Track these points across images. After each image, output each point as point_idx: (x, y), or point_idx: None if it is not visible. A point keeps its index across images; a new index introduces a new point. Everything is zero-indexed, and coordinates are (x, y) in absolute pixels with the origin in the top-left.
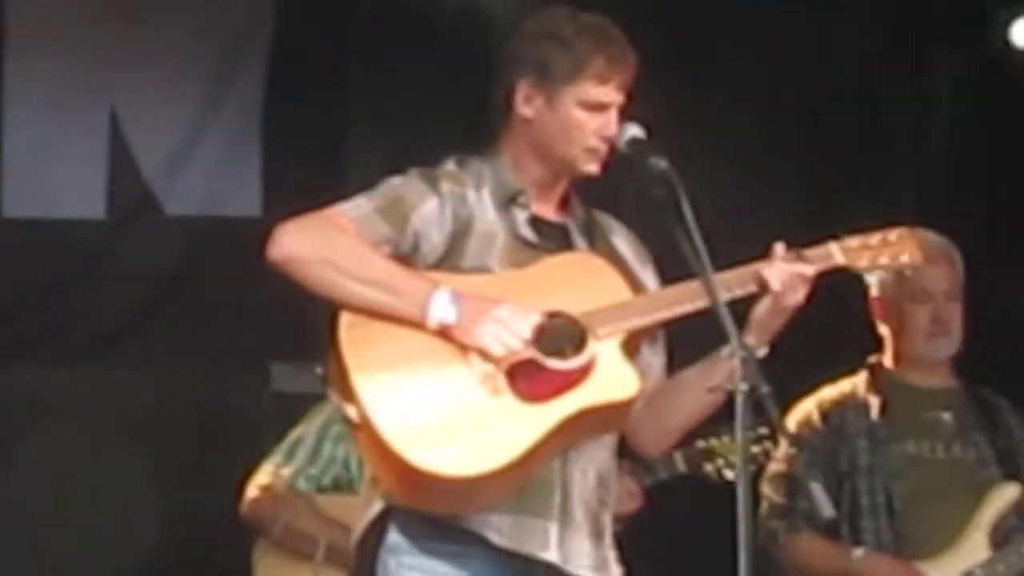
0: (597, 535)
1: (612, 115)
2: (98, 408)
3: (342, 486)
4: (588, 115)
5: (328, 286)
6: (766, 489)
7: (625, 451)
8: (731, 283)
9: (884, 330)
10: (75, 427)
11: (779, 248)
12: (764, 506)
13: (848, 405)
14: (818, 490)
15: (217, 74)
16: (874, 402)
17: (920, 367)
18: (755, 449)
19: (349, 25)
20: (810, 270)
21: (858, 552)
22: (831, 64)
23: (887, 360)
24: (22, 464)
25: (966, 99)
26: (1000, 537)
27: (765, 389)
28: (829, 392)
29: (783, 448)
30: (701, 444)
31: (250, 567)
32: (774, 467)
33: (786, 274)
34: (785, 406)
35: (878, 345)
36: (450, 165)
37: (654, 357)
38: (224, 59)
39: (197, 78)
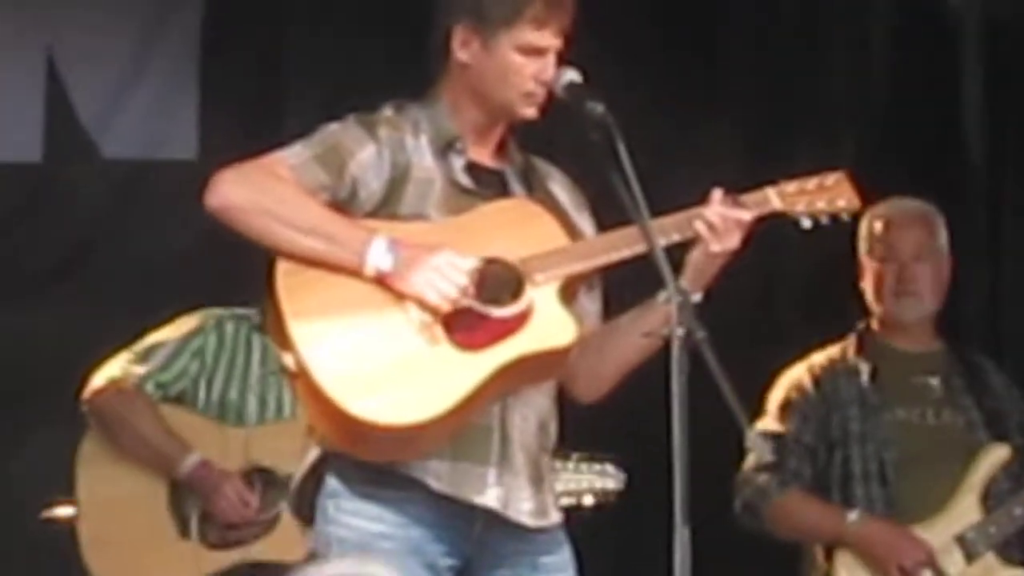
0: (537, 480)
1: (550, 59)
2: (32, 346)
3: (186, 402)
4: (525, 59)
5: (266, 234)
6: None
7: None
8: (668, 228)
9: (865, 293)
10: (14, 364)
11: (716, 194)
12: (750, 460)
13: (839, 371)
14: (756, 437)
15: (153, 18)
16: (864, 368)
17: (899, 330)
18: (599, 484)
19: None
20: (746, 215)
21: (852, 515)
22: (771, 12)
23: (874, 324)
24: None
25: (904, 46)
26: (991, 499)
27: (701, 334)
28: (819, 358)
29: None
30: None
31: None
32: (763, 427)
33: (722, 219)
34: (777, 372)
35: (865, 310)
36: (388, 111)
37: (590, 303)
38: (160, 3)
39: (133, 21)
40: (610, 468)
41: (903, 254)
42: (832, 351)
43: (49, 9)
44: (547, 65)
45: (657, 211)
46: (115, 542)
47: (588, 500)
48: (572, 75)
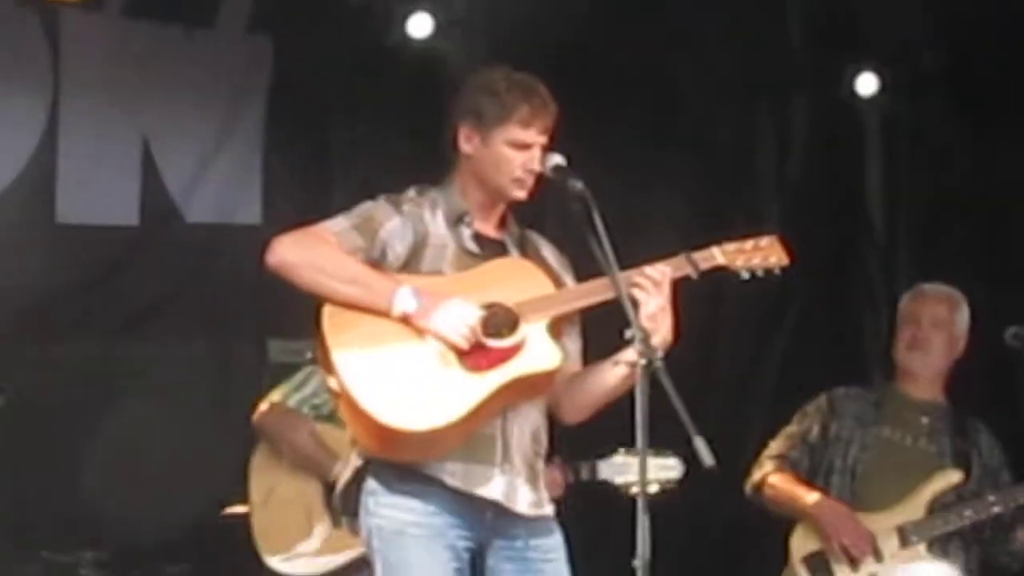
0: (533, 479)
1: (535, 152)
2: (133, 376)
3: (336, 419)
4: (514, 152)
5: (314, 285)
6: (772, 441)
7: (562, 449)
8: (631, 280)
9: (893, 352)
10: (115, 391)
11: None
12: (765, 452)
13: (851, 397)
14: (701, 444)
15: (227, 110)
16: (871, 398)
17: (910, 379)
18: (663, 475)
19: (333, 70)
20: (657, 275)
21: (813, 495)
22: (712, 105)
23: (896, 377)
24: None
25: (820, 135)
26: (937, 508)
27: (658, 364)
28: (840, 389)
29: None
30: (619, 459)
31: (247, 465)
32: (787, 428)
33: (648, 280)
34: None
35: (892, 367)
36: (411, 192)
37: (571, 344)
38: (233, 97)
39: (211, 113)
40: (671, 460)
41: (923, 320)
42: (853, 387)
43: (144, 102)
44: (533, 157)
45: (624, 265)
46: (280, 531)
47: (653, 488)
48: (558, 159)
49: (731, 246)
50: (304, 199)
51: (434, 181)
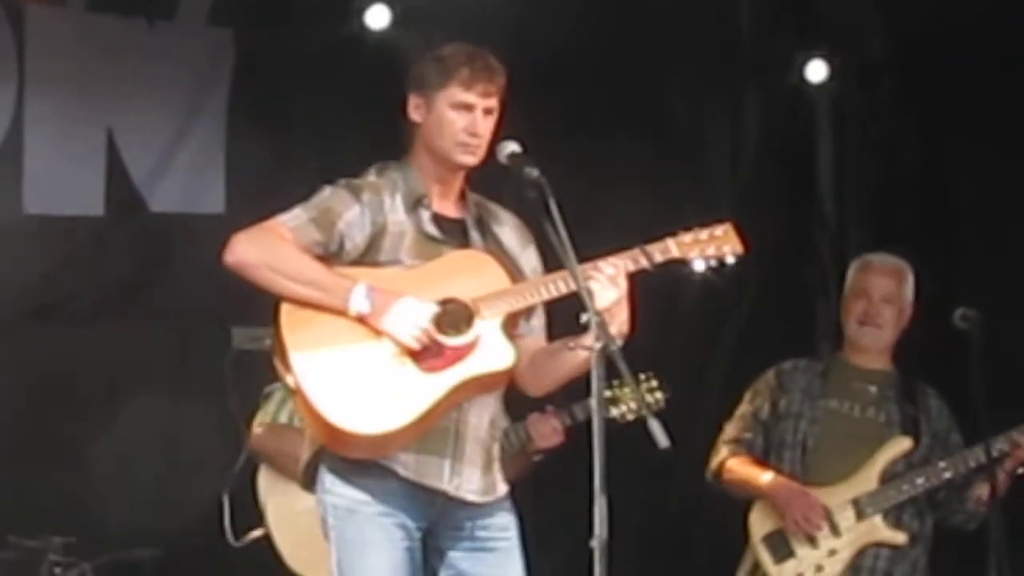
0: (487, 465)
1: (477, 115)
2: (98, 364)
3: None
4: (456, 114)
5: (271, 285)
6: (727, 425)
7: (554, 398)
8: (586, 273)
9: (842, 320)
10: (80, 379)
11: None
12: (721, 437)
13: (798, 369)
14: (656, 426)
15: (190, 101)
16: (817, 368)
17: (859, 351)
18: (650, 398)
19: (293, 61)
20: (611, 270)
21: (767, 475)
22: (667, 95)
23: (844, 346)
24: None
25: (771, 122)
26: (887, 477)
27: (613, 347)
28: (788, 363)
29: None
30: (607, 393)
31: (255, 489)
32: (739, 409)
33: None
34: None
35: (840, 336)
36: (371, 175)
37: (535, 320)
38: (195, 88)
39: (175, 104)
40: (654, 382)
41: (874, 295)
42: (801, 360)
43: (109, 94)
44: (475, 119)
45: (580, 257)
46: (308, 546)
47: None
48: (513, 146)
49: (687, 237)
50: (267, 188)
51: (391, 159)
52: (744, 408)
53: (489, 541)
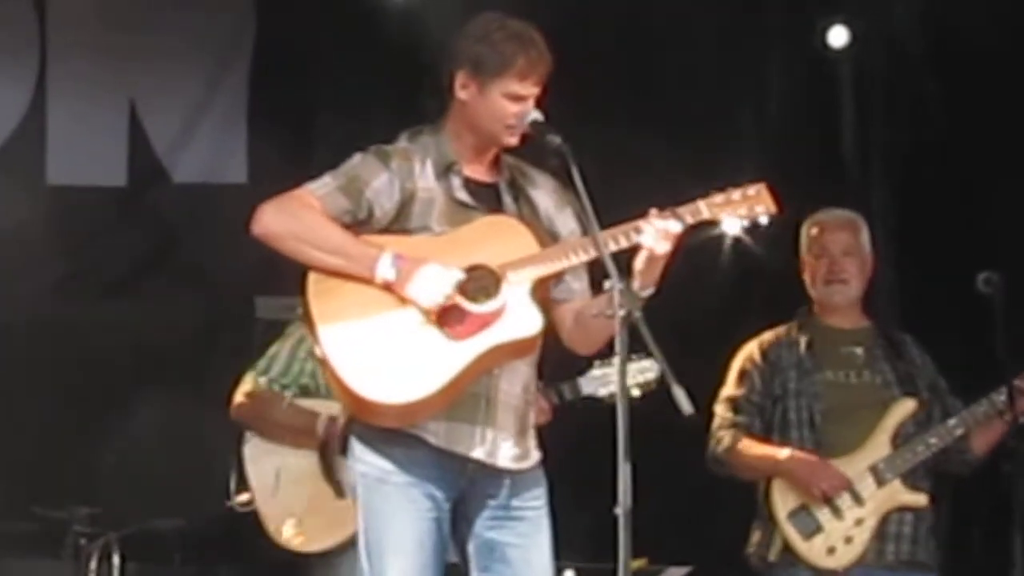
0: (521, 431)
1: (530, 103)
2: (122, 334)
3: (311, 393)
4: (510, 103)
5: (299, 255)
6: (718, 408)
7: (542, 376)
8: (615, 236)
9: (806, 283)
10: (103, 349)
11: (652, 210)
12: (715, 421)
13: (782, 343)
14: (679, 392)
15: (211, 71)
16: (802, 340)
17: (831, 310)
18: (641, 378)
19: (317, 29)
20: (676, 227)
21: (784, 451)
22: (693, 60)
23: (814, 308)
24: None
25: (794, 89)
26: (899, 440)
27: (637, 314)
28: (768, 335)
29: (732, 375)
30: (597, 372)
31: (240, 456)
32: (725, 392)
33: (655, 229)
34: (735, 349)
35: (807, 297)
36: (403, 141)
37: (576, 282)
38: (217, 59)
39: (196, 75)
40: (647, 362)
41: (834, 251)
42: (779, 330)
43: (131, 64)
44: (527, 108)
45: (606, 220)
46: (288, 514)
47: (635, 392)
48: (536, 114)
49: (718, 197)
50: (289, 157)
51: (421, 124)
52: (733, 391)
53: (520, 510)
